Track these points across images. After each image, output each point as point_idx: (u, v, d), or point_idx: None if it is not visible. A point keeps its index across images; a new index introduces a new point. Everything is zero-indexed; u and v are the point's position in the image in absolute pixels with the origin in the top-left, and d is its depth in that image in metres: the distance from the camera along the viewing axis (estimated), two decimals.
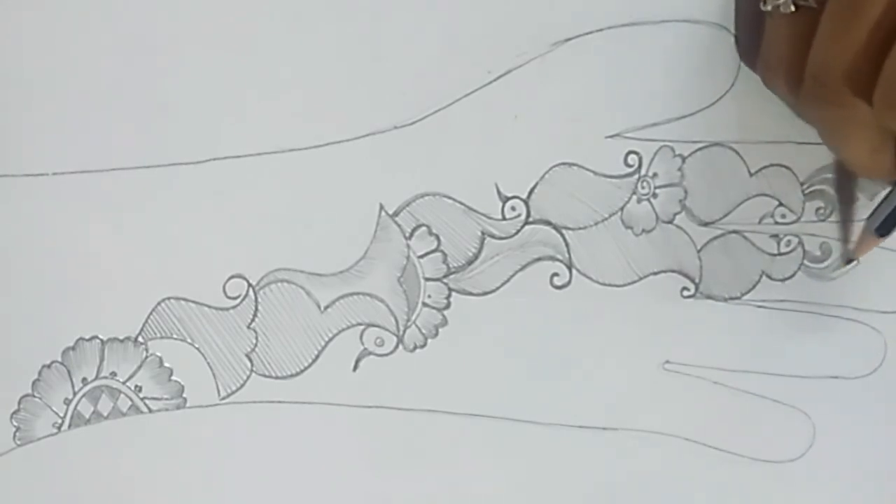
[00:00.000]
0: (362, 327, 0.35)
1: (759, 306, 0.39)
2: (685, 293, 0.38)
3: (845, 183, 0.40)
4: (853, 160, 0.35)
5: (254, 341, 0.34)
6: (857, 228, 0.40)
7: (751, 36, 0.36)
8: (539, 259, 0.36)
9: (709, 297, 0.39)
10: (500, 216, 0.36)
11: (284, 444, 0.35)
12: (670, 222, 0.38)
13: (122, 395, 0.33)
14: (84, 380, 0.33)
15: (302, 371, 0.35)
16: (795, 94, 0.34)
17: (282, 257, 0.34)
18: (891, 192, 0.37)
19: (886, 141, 0.34)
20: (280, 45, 0.33)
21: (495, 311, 0.36)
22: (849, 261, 0.40)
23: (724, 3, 0.36)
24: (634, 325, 0.38)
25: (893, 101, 0.30)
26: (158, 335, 0.33)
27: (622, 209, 0.37)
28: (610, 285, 0.37)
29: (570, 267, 0.37)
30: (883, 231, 0.37)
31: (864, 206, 0.40)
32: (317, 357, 0.35)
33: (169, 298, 0.33)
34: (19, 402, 0.32)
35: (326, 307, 0.35)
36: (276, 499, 0.35)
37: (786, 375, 0.40)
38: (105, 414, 0.33)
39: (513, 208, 0.36)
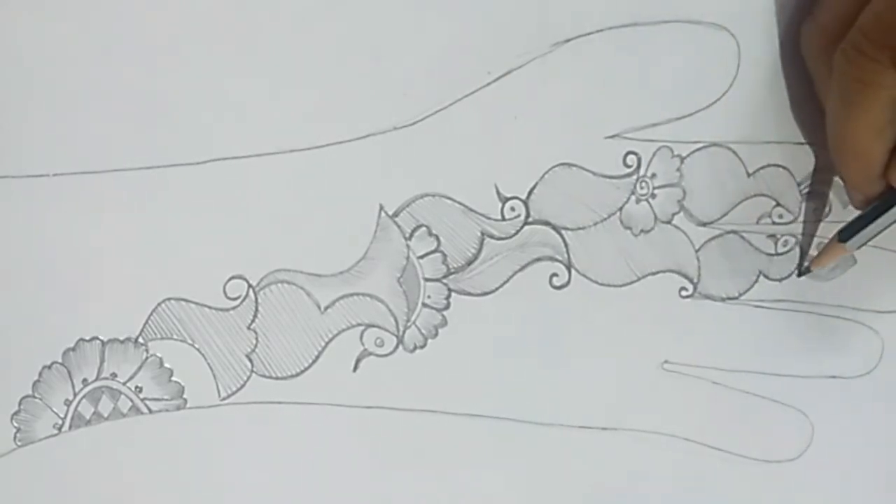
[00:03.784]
0: (362, 328, 0.35)
1: (757, 306, 0.40)
2: (683, 293, 0.38)
3: (818, 194, 0.40)
4: (854, 137, 0.35)
5: (254, 342, 0.34)
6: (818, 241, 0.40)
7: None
8: (538, 259, 0.37)
9: (707, 297, 0.39)
10: (499, 217, 0.36)
11: (285, 445, 0.35)
12: (669, 222, 0.38)
13: (122, 396, 0.33)
14: (84, 381, 0.33)
15: (302, 372, 0.35)
16: (830, 53, 0.34)
17: (282, 258, 0.34)
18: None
19: (894, 125, 0.34)
20: (280, 46, 0.33)
21: (495, 312, 0.36)
22: (804, 272, 0.40)
23: (722, 4, 0.36)
24: (633, 325, 0.38)
25: None
26: (159, 336, 0.33)
27: (621, 209, 0.37)
28: (609, 285, 0.37)
29: (569, 267, 0.37)
30: (844, 236, 0.38)
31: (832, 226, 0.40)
32: (317, 358, 0.35)
33: (169, 299, 0.33)
34: (20, 403, 0.32)
35: (326, 308, 0.35)
36: (276, 499, 0.35)
37: (784, 375, 0.40)
38: (105, 415, 0.33)
39: (512, 209, 0.36)
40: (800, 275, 0.40)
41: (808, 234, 0.40)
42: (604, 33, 0.35)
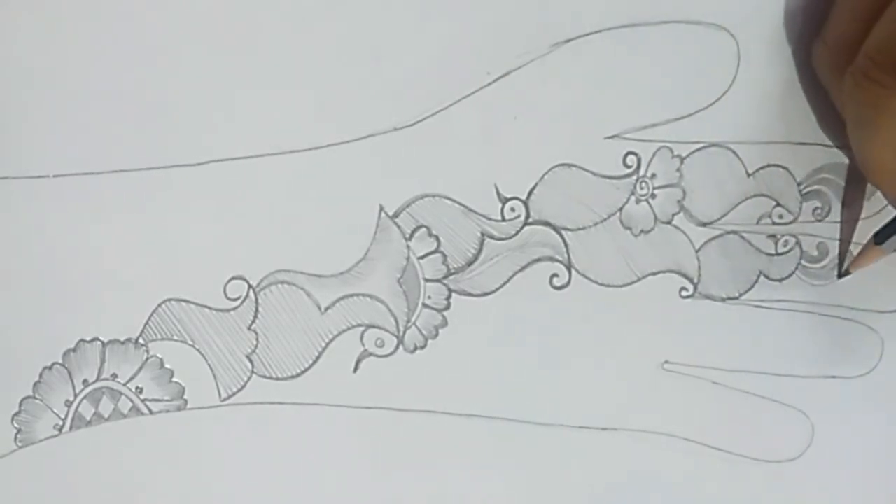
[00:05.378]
0: (362, 328, 0.35)
1: (757, 306, 0.40)
2: (684, 293, 0.38)
3: (853, 197, 0.40)
4: (875, 157, 0.35)
5: (254, 342, 0.34)
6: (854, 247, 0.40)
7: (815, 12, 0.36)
8: (538, 260, 0.37)
9: (707, 297, 0.39)
10: (499, 217, 0.36)
11: (285, 446, 0.35)
12: (669, 223, 0.38)
13: (122, 397, 0.33)
14: (85, 381, 0.33)
15: (302, 372, 0.35)
16: (841, 73, 0.34)
17: (282, 259, 0.34)
18: None
19: None
20: (280, 46, 0.33)
21: (495, 312, 0.36)
22: (844, 274, 0.40)
23: (722, 4, 0.36)
24: (633, 325, 0.38)
25: None
26: (159, 337, 0.33)
27: (621, 210, 0.37)
28: (609, 286, 0.38)
29: (569, 267, 0.37)
30: (880, 239, 0.38)
31: (866, 227, 0.40)
32: (317, 358, 0.35)
33: (170, 300, 0.33)
34: (20, 404, 0.32)
35: (327, 308, 0.35)
36: (276, 500, 0.35)
37: (784, 375, 0.40)
38: (106, 416, 0.33)
39: (512, 209, 0.36)
40: (840, 277, 0.40)
41: (846, 240, 0.40)
42: (604, 33, 0.35)
